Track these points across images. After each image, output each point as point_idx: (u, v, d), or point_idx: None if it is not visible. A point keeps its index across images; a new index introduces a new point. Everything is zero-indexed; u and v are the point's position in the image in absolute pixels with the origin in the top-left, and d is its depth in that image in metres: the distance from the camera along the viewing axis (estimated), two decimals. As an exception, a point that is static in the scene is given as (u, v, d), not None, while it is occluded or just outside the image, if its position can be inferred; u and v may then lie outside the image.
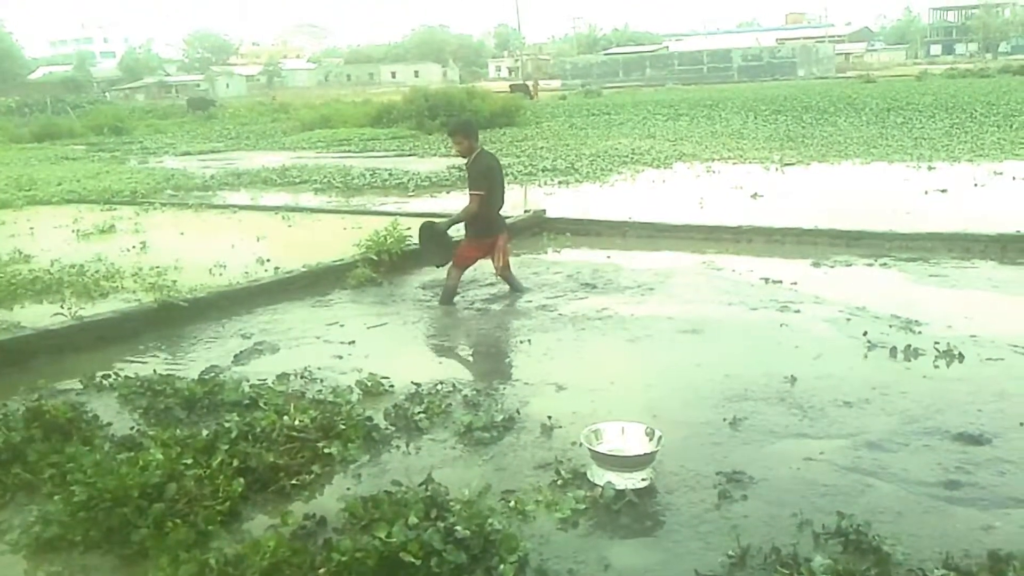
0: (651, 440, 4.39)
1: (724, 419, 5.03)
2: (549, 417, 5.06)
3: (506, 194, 8.13)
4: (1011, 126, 21.22)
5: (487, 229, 7.88)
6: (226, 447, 4.47)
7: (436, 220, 8.21)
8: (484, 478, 4.34)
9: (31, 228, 12.39)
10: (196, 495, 4.03)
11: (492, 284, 8.46)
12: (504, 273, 8.16)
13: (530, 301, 7.90)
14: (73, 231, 11.96)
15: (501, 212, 8.09)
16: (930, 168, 15.01)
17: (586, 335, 6.90)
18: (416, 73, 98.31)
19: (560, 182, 15.47)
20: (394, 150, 23.95)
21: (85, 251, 10.39)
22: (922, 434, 4.77)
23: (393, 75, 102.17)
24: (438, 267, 8.13)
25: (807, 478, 4.30)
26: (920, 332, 6.52)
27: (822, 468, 4.40)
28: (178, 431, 4.79)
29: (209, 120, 43.74)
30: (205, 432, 4.76)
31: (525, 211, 11.80)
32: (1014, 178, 13.40)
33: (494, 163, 7.97)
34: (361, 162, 20.25)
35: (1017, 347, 6.08)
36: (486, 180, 7.70)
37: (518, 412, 5.19)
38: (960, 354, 5.95)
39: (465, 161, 7.97)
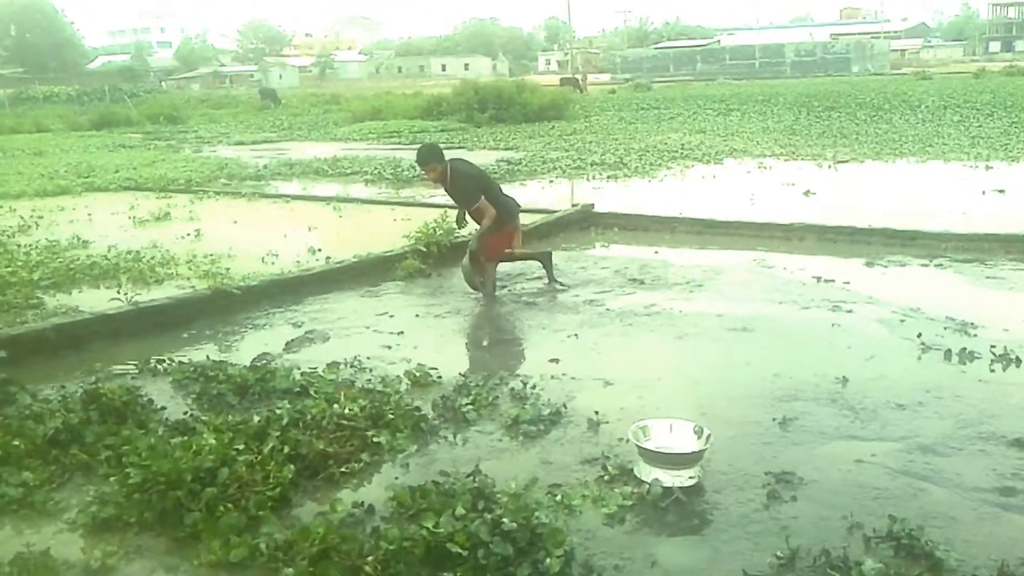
0: (699, 438, 4.37)
1: (774, 419, 4.98)
2: (596, 412, 5.06)
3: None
4: (1074, 126, 20.69)
5: (506, 217, 7.97)
6: (277, 434, 4.53)
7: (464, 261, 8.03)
8: (531, 471, 4.36)
9: (89, 214, 12.65)
10: (247, 480, 4.09)
11: (540, 277, 8.47)
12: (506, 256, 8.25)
13: (577, 295, 7.89)
14: (129, 218, 12.19)
15: (508, 200, 8.17)
16: (988, 167, 14.69)
17: (634, 331, 6.87)
18: (466, 66, 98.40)
19: (609, 176, 15.40)
20: (444, 143, 23.94)
21: (141, 238, 10.58)
22: (977, 439, 4.69)
23: (443, 68, 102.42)
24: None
25: (858, 480, 4.25)
26: (976, 335, 6.40)
27: (874, 471, 4.35)
28: (230, 417, 4.87)
29: (262, 110, 44.24)
30: (257, 418, 4.84)
31: (573, 205, 11.77)
32: (1076, 179, 13.08)
33: (467, 167, 8.05)
34: (411, 154, 20.25)
35: (1077, 352, 5.94)
36: (478, 185, 7.82)
37: (565, 406, 5.19)
38: (1017, 358, 5.83)
39: (444, 186, 7.96)
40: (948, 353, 5.99)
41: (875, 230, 9.76)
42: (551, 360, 6.16)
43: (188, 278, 8.41)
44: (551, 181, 15.27)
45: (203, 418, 4.92)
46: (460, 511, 3.70)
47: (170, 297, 7.61)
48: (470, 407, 5.17)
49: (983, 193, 12.22)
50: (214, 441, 4.31)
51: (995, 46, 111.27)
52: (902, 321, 6.79)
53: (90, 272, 8.69)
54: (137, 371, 6.10)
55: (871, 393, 5.34)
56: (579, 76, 56.21)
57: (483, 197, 7.76)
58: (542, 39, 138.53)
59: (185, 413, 5.16)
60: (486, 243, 7.95)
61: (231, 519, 3.83)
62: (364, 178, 16.63)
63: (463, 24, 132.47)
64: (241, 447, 4.34)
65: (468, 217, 8.00)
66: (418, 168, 8.28)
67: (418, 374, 5.73)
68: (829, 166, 15.67)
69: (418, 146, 8.21)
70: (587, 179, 15.35)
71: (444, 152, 7.95)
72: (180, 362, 6.11)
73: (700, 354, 6.34)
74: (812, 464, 4.42)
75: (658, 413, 4.82)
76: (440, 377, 5.76)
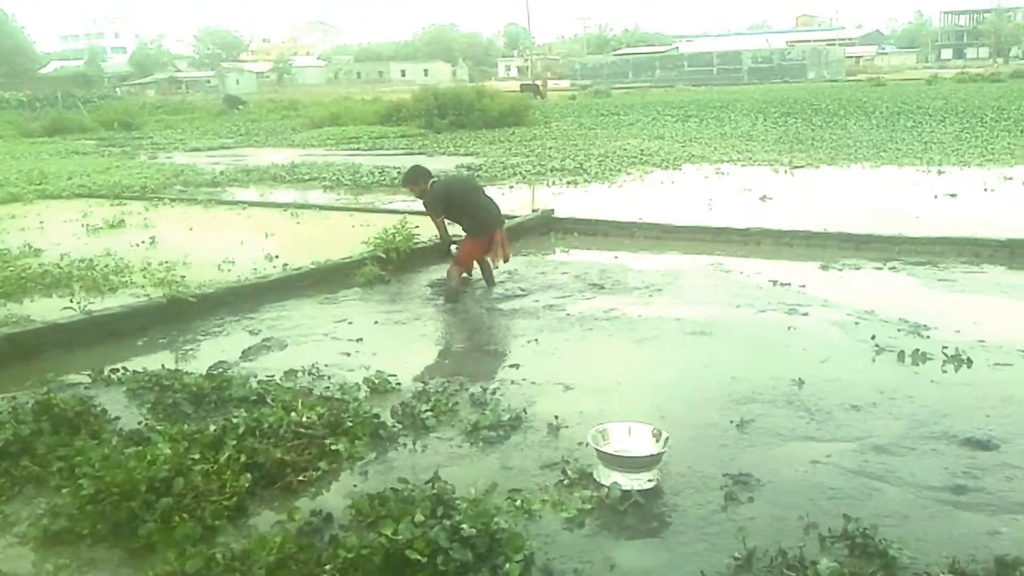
0: (658, 441, 4.39)
1: (731, 421, 5.03)
2: (556, 417, 5.07)
3: (486, 190, 8.77)
4: (1021, 131, 21.18)
5: (482, 228, 8.10)
6: (233, 443, 4.49)
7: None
8: (490, 477, 4.35)
9: (41, 222, 12.43)
10: (203, 490, 4.05)
11: (501, 283, 8.48)
12: (483, 263, 8.39)
13: (538, 301, 7.91)
14: (83, 225, 12.00)
15: (491, 209, 8.29)
16: (940, 172, 14.97)
17: (593, 335, 6.90)
18: (426, 72, 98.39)
19: (568, 182, 15.46)
20: (403, 148, 23.96)
21: (95, 245, 10.43)
22: (929, 438, 4.76)
23: (403, 73, 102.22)
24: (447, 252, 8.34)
25: (814, 481, 4.30)
26: (928, 336, 6.51)
27: (829, 471, 4.40)
28: (186, 426, 4.81)
29: (219, 115, 43.83)
30: (212, 427, 4.78)
31: (533, 211, 11.79)
32: (1024, 183, 13.36)
33: (446, 185, 8.32)
34: (370, 160, 20.27)
35: (1026, 353, 6.07)
36: (442, 203, 8.06)
37: (525, 411, 5.19)
38: (968, 359, 5.94)
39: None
40: (901, 355, 6.09)
41: (830, 234, 9.89)
42: (511, 365, 6.17)
43: (143, 286, 8.29)
44: (511, 187, 15.30)
45: (158, 427, 4.86)
46: (419, 518, 3.69)
47: (124, 306, 7.50)
48: (429, 413, 5.16)
49: (935, 197, 12.45)
50: (169, 451, 4.26)
51: (947, 53, 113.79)
52: (856, 323, 6.89)
53: (42, 281, 8.54)
54: (91, 381, 6.00)
55: (826, 395, 5.41)
56: (539, 82, 56.38)
57: (443, 215, 8.04)
58: (502, 45, 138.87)
59: (140, 423, 5.09)
60: (462, 249, 8.10)
61: (186, 529, 3.78)
62: (322, 184, 16.54)
63: (423, 30, 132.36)
64: (197, 456, 4.29)
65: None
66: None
67: (377, 381, 5.70)
68: (785, 171, 15.86)
69: (405, 171, 8.61)
70: (547, 185, 15.40)
71: (429, 173, 8.36)
72: (134, 371, 6.02)
73: (659, 358, 6.38)
74: (769, 465, 4.47)
75: (617, 417, 4.84)
76: (399, 384, 5.74)
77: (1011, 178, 13.90)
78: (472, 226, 8.09)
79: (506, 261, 8.45)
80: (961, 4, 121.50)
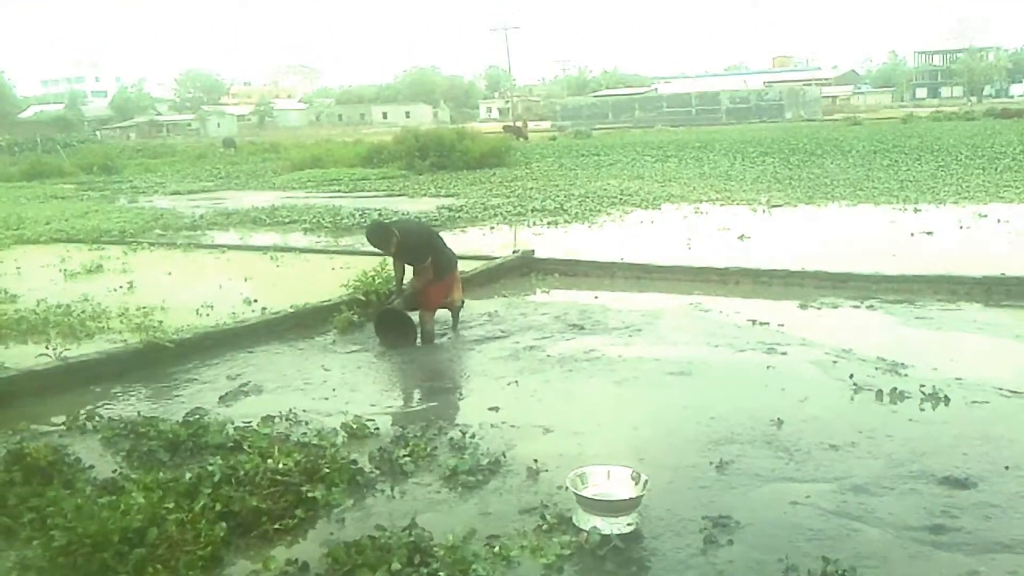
0: (637, 484, 4.38)
1: (710, 462, 5.02)
2: (535, 460, 5.04)
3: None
4: (996, 169, 21.43)
5: (444, 268, 8.14)
6: (209, 491, 4.43)
7: (392, 305, 8.19)
8: (469, 523, 4.31)
9: (18, 267, 12.34)
10: (178, 540, 3.99)
11: (481, 324, 8.47)
12: (449, 305, 8.39)
13: (517, 342, 7.90)
14: (60, 271, 11.92)
15: (448, 251, 8.40)
16: (916, 210, 15.12)
17: (573, 376, 6.89)
18: (407, 114, 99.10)
19: (549, 222, 15.53)
20: (384, 190, 24.02)
21: (72, 291, 10.34)
22: (908, 478, 4.77)
23: (384, 115, 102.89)
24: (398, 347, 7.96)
25: (793, 522, 4.29)
26: (906, 375, 6.54)
27: (808, 512, 4.39)
28: (161, 474, 4.75)
29: (200, 159, 43.84)
30: (188, 475, 4.72)
31: (514, 251, 11.82)
32: (999, 220, 13.50)
33: (414, 227, 8.44)
34: (351, 202, 20.30)
35: (1002, 390, 6.10)
36: (427, 248, 7.98)
37: (504, 455, 5.17)
38: (946, 397, 5.96)
39: (394, 252, 8.10)
40: (879, 393, 6.11)
41: (808, 273, 9.96)
42: (491, 408, 6.14)
43: (120, 332, 8.22)
44: (492, 228, 15.35)
45: (133, 476, 4.79)
46: (396, 566, 3.66)
47: (101, 352, 7.44)
48: (408, 459, 5.12)
49: (912, 235, 12.57)
50: (143, 500, 4.20)
51: (922, 92, 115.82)
52: (835, 362, 6.91)
53: (18, 327, 8.46)
54: (65, 428, 5.93)
55: (805, 434, 5.41)
56: (520, 123, 56.83)
57: (430, 258, 7.89)
58: (483, 87, 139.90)
59: (114, 471, 5.03)
60: (427, 294, 8.03)
61: (159, 581, 3.72)
62: (303, 227, 16.52)
63: (404, 72, 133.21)
64: (171, 505, 4.23)
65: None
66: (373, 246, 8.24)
67: (355, 426, 5.66)
68: (763, 211, 15.98)
69: (368, 227, 8.39)
70: (528, 225, 15.45)
71: (391, 229, 8.07)
72: (110, 419, 5.96)
73: (638, 399, 6.38)
74: (748, 507, 4.45)
75: (597, 459, 4.82)
76: (377, 428, 5.70)
77: (986, 215, 14.05)
78: (436, 269, 8.00)
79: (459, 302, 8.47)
80: (935, 44, 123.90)
